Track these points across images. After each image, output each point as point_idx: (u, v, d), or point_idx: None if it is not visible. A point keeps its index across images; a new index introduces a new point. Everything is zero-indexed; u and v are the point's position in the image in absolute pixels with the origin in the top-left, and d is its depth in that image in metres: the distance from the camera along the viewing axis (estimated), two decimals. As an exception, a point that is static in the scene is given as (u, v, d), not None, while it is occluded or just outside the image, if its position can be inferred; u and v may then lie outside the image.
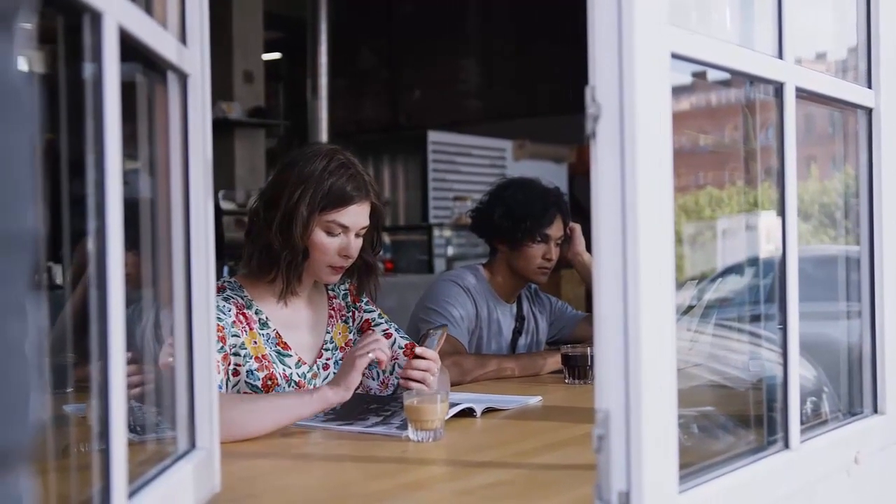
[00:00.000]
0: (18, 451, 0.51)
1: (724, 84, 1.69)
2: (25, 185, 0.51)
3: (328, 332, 2.32)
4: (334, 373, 2.26)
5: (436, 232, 7.27)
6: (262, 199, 2.20)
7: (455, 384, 2.65)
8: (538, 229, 2.92)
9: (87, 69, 0.99)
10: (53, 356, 1.68)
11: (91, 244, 0.99)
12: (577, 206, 5.56)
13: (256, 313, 2.19)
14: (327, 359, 2.30)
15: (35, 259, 0.52)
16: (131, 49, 1.09)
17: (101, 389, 0.99)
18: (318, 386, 2.12)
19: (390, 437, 1.88)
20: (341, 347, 2.33)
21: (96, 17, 0.97)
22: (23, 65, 0.51)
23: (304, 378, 2.22)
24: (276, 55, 9.87)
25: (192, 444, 1.35)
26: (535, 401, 2.32)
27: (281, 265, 2.16)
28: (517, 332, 3.09)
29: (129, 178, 1.07)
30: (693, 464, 1.31)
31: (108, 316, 0.99)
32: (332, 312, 2.35)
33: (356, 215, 2.18)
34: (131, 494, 1.06)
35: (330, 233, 2.16)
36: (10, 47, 0.50)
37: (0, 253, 0.49)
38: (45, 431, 1.08)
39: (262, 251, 2.17)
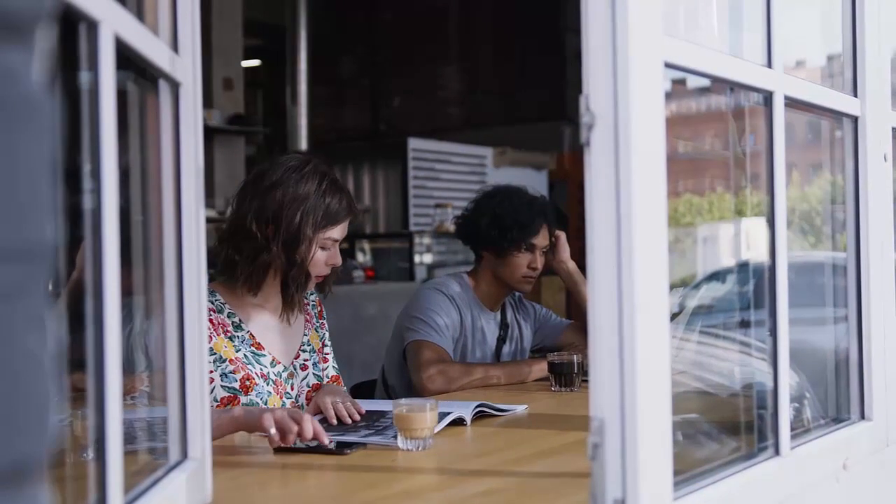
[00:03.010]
0: (39, 462, 0.51)
1: (705, 91, 1.70)
2: (45, 196, 0.51)
3: (305, 335, 2.39)
4: (313, 373, 2.36)
5: (416, 239, 7.25)
6: (254, 218, 2.20)
7: (441, 392, 2.65)
8: (524, 238, 2.92)
9: (83, 77, 0.99)
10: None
11: (87, 253, 0.99)
12: (557, 213, 5.57)
13: (229, 316, 2.24)
14: (305, 360, 2.37)
15: (53, 270, 0.52)
16: (124, 57, 1.08)
17: (97, 401, 0.98)
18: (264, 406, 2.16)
19: (387, 446, 1.86)
20: (318, 350, 2.40)
21: (93, 26, 0.97)
22: (41, 76, 0.51)
23: (281, 377, 2.27)
24: (255, 62, 9.84)
25: (185, 455, 1.34)
26: (521, 409, 2.32)
27: (290, 284, 2.23)
28: (501, 340, 3.08)
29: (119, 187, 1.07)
30: (685, 471, 1.31)
31: (104, 326, 0.98)
32: (308, 317, 2.42)
33: (345, 228, 2.29)
34: (126, 506, 1.05)
35: (324, 248, 2.26)
36: (30, 59, 0.50)
37: (20, 264, 0.49)
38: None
39: (260, 269, 2.22)
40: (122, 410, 1.00)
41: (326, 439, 1.82)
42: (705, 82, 1.54)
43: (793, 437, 1.54)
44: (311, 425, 1.80)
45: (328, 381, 2.41)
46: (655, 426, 1.17)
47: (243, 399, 2.17)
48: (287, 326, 2.34)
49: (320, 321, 2.47)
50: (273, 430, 1.79)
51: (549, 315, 3.25)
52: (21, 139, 0.49)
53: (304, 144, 8.21)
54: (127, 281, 1.30)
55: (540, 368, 2.80)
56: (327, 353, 2.47)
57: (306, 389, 2.33)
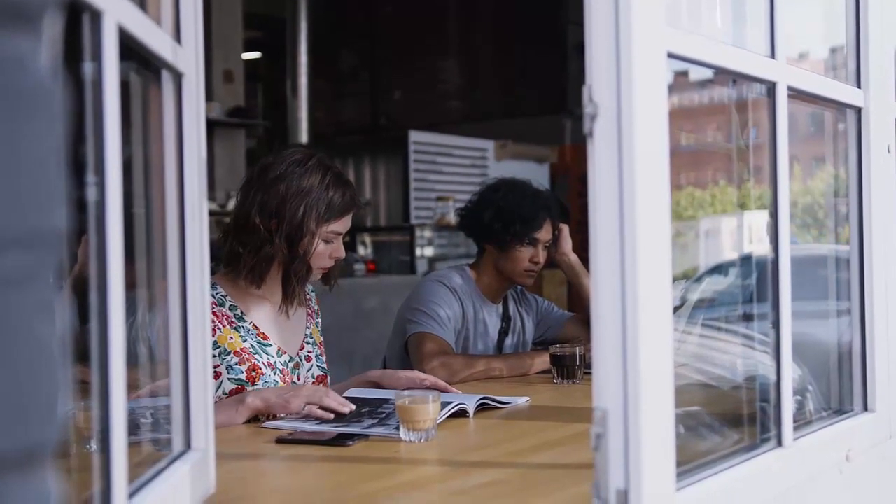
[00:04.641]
0: (49, 448, 0.51)
1: (707, 84, 1.70)
2: (55, 183, 0.51)
3: (307, 328, 2.41)
4: (317, 366, 2.39)
5: (418, 232, 7.24)
6: (258, 211, 2.21)
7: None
8: (527, 233, 2.92)
9: (86, 68, 0.98)
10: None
11: (91, 245, 0.98)
12: (561, 207, 5.57)
13: (231, 309, 2.25)
14: (308, 352, 2.39)
15: (61, 258, 0.52)
16: (127, 47, 1.08)
17: (101, 392, 0.98)
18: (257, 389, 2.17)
19: (390, 438, 1.86)
20: (319, 344, 2.43)
21: (96, 16, 0.96)
22: (49, 64, 0.51)
23: (287, 367, 2.29)
24: (255, 54, 9.83)
25: (188, 445, 1.34)
26: (523, 401, 2.32)
27: (291, 277, 2.25)
28: (503, 333, 3.09)
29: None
30: (688, 462, 1.31)
31: (109, 318, 0.98)
32: (310, 311, 2.45)
33: (348, 221, 2.30)
34: (130, 495, 1.05)
35: (327, 241, 2.26)
36: (38, 47, 0.50)
37: (29, 251, 0.49)
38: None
39: (263, 262, 2.23)
40: (126, 402, 1.00)
41: (347, 409, 2.02)
42: (707, 74, 1.54)
43: (795, 428, 1.54)
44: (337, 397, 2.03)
45: (314, 381, 2.42)
46: (658, 417, 1.18)
47: (250, 389, 2.18)
48: (289, 319, 2.35)
49: (318, 321, 2.49)
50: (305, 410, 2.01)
51: (550, 308, 3.25)
52: (30, 127, 0.49)
53: (304, 138, 8.21)
54: (129, 273, 1.30)
55: (542, 360, 2.80)
56: (320, 353, 2.48)
57: (311, 381, 2.34)
